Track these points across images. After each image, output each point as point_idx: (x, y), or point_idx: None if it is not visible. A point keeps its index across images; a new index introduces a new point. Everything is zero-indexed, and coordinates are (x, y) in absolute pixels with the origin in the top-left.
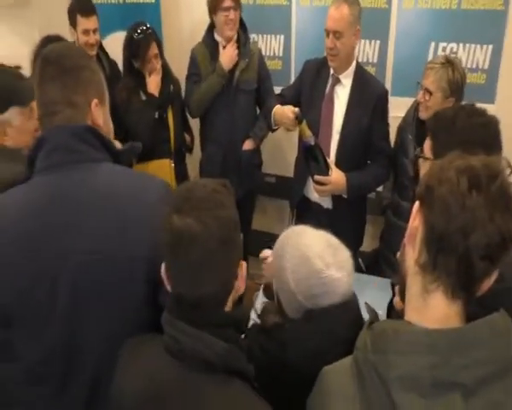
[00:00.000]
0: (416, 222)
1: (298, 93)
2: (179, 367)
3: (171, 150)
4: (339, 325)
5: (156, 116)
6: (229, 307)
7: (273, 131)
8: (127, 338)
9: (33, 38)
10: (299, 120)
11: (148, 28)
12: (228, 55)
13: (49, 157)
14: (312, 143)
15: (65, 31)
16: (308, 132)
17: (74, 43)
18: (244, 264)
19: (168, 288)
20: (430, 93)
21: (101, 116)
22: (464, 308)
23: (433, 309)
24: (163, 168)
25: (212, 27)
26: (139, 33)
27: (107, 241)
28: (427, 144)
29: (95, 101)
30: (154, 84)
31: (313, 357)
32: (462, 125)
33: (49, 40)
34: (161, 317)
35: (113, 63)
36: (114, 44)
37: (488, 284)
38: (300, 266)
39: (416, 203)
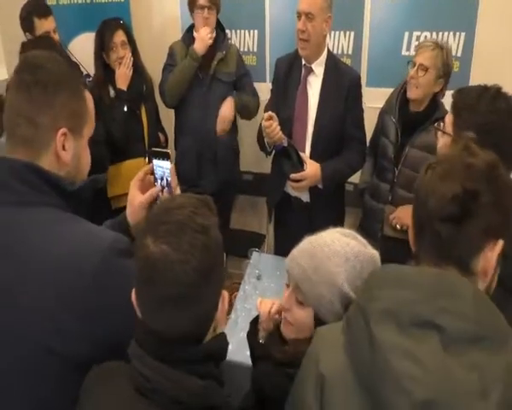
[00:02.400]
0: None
1: None
2: (149, 407)
3: (145, 149)
4: None
5: (125, 109)
6: (209, 337)
7: (270, 153)
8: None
9: None
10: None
11: (118, 19)
12: (200, 38)
13: None
14: (285, 144)
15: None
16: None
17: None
18: (226, 294)
19: (138, 314)
20: (425, 70)
21: (69, 150)
22: None
23: None
24: (138, 168)
25: (192, 27)
26: (106, 22)
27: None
28: (449, 119)
29: (62, 130)
30: (121, 77)
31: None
32: (486, 107)
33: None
34: (129, 346)
35: (73, 64)
36: (82, 45)
37: (487, 258)
38: (344, 265)
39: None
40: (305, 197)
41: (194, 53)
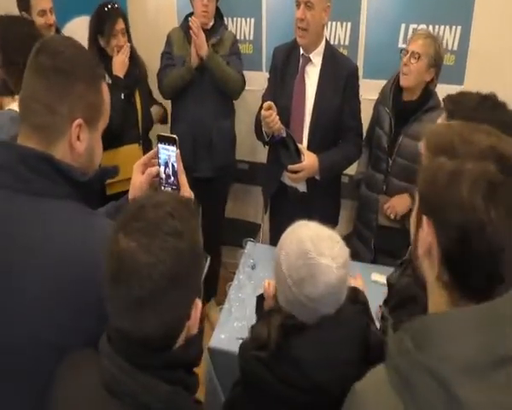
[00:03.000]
0: (429, 238)
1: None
2: (115, 406)
3: (140, 134)
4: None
5: (122, 97)
6: (180, 343)
7: (268, 143)
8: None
9: None
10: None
11: (115, 3)
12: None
13: None
14: (284, 134)
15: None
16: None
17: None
18: (199, 304)
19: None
20: (417, 57)
21: (83, 141)
22: None
23: None
24: (133, 153)
25: (190, 15)
26: (107, 9)
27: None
28: (442, 120)
29: (78, 120)
30: (119, 64)
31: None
32: (483, 118)
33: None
34: (100, 340)
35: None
36: (77, 29)
37: None
38: (293, 248)
39: (425, 220)
40: (302, 187)
41: (190, 68)
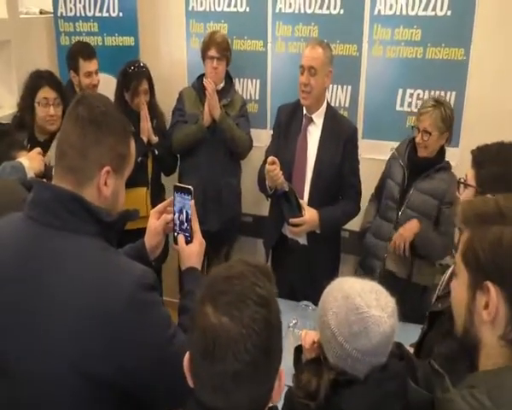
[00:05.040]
0: (495, 301)
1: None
2: None
3: (148, 179)
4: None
5: (138, 160)
6: None
7: (271, 196)
8: None
9: (10, 76)
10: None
11: (142, 65)
12: (210, 105)
13: (30, 207)
14: (287, 189)
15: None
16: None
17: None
18: (283, 372)
19: (190, 383)
20: (428, 134)
21: (110, 186)
22: None
23: None
24: (138, 198)
25: (202, 76)
26: (133, 68)
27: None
28: (471, 174)
29: (107, 168)
30: (143, 130)
31: None
32: (506, 156)
33: (38, 74)
34: None
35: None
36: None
37: None
38: (341, 306)
39: (490, 286)
40: (302, 240)
41: (202, 126)
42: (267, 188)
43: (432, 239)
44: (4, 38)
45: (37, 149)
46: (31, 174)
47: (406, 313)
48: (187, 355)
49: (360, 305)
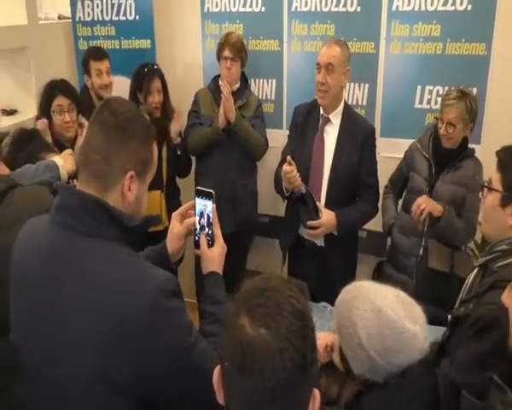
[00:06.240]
0: None
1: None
2: None
3: (163, 182)
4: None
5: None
6: None
7: (287, 198)
8: None
9: (29, 81)
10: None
11: (154, 64)
12: (226, 107)
13: (57, 212)
14: (304, 191)
15: (59, 76)
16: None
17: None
18: (317, 393)
19: (219, 400)
20: (453, 127)
21: (133, 191)
22: None
23: None
24: (153, 200)
25: (218, 76)
26: (146, 68)
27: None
28: (496, 177)
29: (131, 172)
30: (175, 132)
31: None
32: None
33: (52, 85)
34: None
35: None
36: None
37: None
38: (372, 319)
39: None
40: (320, 242)
41: (217, 129)
42: (283, 190)
43: (455, 224)
44: (24, 44)
45: (69, 150)
46: (64, 173)
47: (451, 306)
48: (216, 370)
49: (393, 319)
